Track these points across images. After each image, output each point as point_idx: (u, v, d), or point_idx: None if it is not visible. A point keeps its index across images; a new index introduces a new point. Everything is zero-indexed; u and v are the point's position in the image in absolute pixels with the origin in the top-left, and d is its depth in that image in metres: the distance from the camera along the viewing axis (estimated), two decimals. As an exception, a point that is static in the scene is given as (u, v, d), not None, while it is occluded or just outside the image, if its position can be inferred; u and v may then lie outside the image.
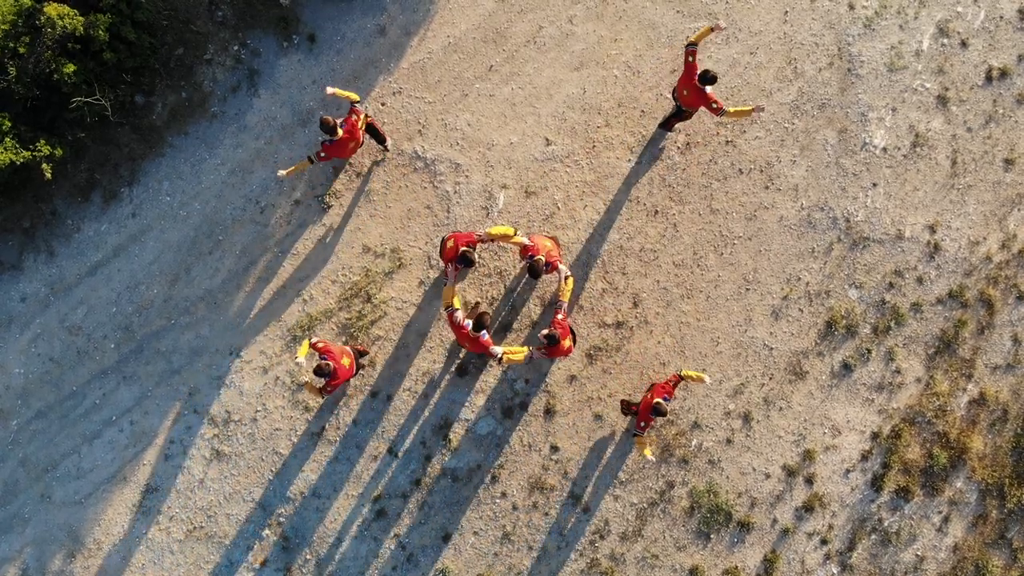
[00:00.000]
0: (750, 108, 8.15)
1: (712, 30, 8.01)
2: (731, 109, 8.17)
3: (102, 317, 9.77)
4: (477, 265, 9.37)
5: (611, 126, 9.72)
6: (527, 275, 9.18)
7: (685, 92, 8.42)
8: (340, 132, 8.34)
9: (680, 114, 8.98)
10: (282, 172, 8.63)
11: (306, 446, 9.49)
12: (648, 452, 8.29)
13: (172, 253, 9.82)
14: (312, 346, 8.15)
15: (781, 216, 9.51)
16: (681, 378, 8.17)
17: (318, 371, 7.79)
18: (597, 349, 9.38)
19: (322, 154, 8.48)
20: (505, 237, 8.11)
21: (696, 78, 8.10)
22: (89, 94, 9.20)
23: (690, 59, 8.16)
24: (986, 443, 9.16)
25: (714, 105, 8.16)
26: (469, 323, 8.01)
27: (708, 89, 8.13)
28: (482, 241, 8.14)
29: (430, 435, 9.43)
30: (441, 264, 9.34)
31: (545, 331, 7.88)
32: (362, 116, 8.62)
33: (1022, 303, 9.32)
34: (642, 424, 8.18)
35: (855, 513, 9.14)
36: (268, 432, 9.53)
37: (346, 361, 8.25)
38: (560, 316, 8.06)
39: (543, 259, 7.98)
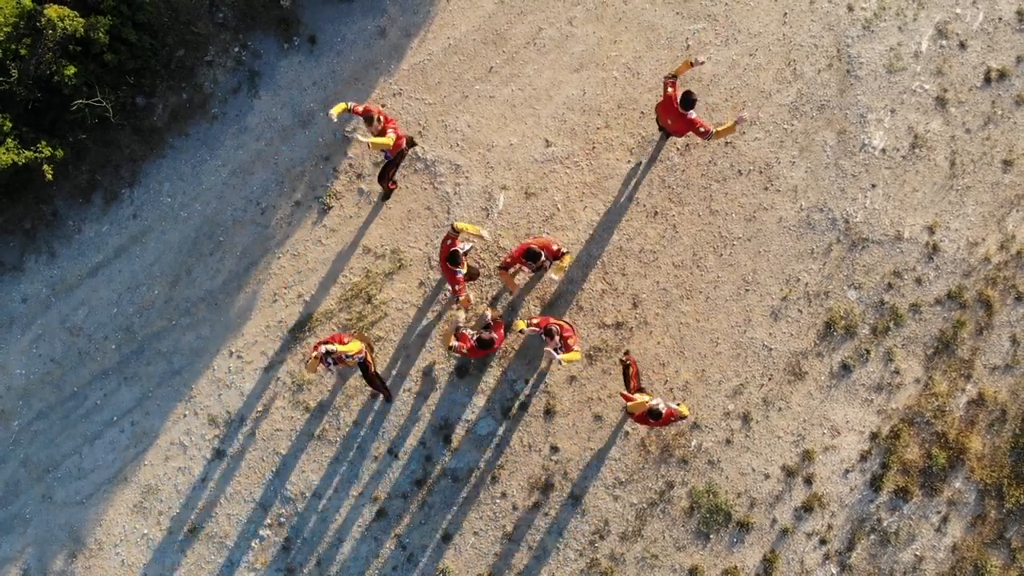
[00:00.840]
0: (732, 123, 8.08)
1: (691, 65, 7.97)
2: (716, 130, 8.15)
3: (103, 318, 9.80)
4: (478, 268, 9.39)
5: (611, 127, 9.75)
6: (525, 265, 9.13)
7: (670, 121, 8.40)
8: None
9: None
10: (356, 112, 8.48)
11: (306, 446, 9.52)
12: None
13: (173, 254, 9.84)
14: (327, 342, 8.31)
15: (780, 217, 9.53)
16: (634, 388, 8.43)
17: (328, 352, 8.06)
18: (597, 350, 9.40)
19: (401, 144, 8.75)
20: (473, 232, 8.31)
21: (678, 105, 8.05)
22: (90, 96, 9.23)
23: (669, 90, 8.14)
24: (985, 443, 9.18)
25: (701, 130, 8.11)
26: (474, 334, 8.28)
27: (692, 114, 8.09)
28: (454, 239, 8.29)
29: (430, 435, 9.45)
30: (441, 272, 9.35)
31: (550, 340, 8.08)
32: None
33: (1020, 304, 9.34)
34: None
35: (854, 513, 9.16)
36: (268, 432, 9.56)
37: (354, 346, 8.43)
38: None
39: (536, 248, 8.16)
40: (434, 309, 9.58)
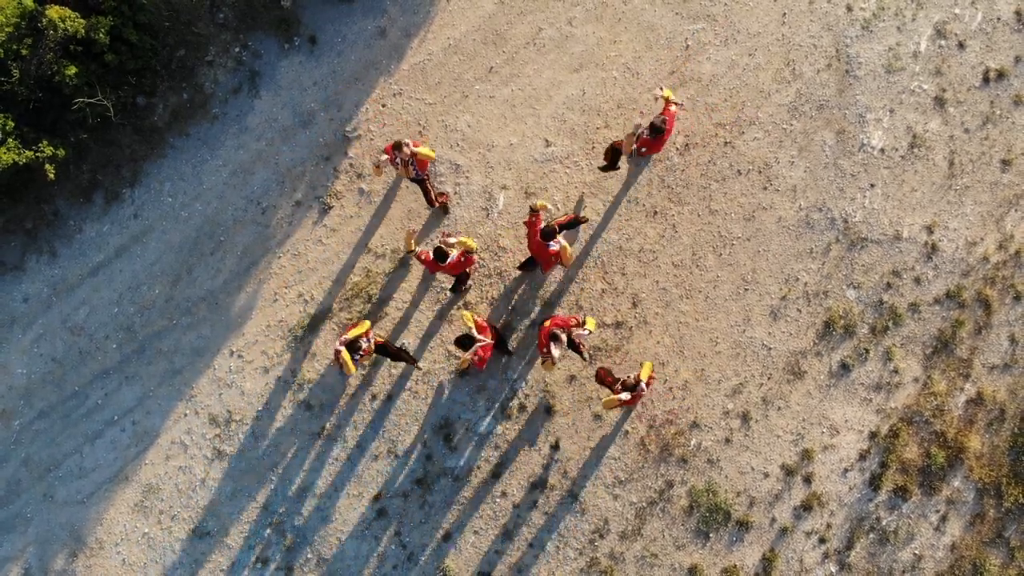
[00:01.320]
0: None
1: (634, 134, 8.49)
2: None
3: (104, 317, 9.82)
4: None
5: (610, 127, 9.77)
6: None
7: (644, 149, 8.78)
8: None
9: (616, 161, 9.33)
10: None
11: (307, 446, 9.54)
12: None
13: (174, 254, 9.87)
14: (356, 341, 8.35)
15: (779, 217, 9.56)
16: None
17: (351, 347, 8.16)
18: (597, 349, 9.43)
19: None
20: (411, 237, 8.39)
21: (651, 134, 8.46)
22: (91, 95, 9.25)
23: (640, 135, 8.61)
24: (983, 442, 9.20)
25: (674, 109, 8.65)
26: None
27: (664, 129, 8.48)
28: (423, 251, 8.41)
29: (430, 435, 9.48)
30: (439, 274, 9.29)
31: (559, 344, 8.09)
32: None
33: (1019, 303, 9.36)
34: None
35: (853, 512, 9.18)
36: (269, 432, 9.58)
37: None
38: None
39: (553, 225, 8.18)
40: (434, 309, 9.61)
